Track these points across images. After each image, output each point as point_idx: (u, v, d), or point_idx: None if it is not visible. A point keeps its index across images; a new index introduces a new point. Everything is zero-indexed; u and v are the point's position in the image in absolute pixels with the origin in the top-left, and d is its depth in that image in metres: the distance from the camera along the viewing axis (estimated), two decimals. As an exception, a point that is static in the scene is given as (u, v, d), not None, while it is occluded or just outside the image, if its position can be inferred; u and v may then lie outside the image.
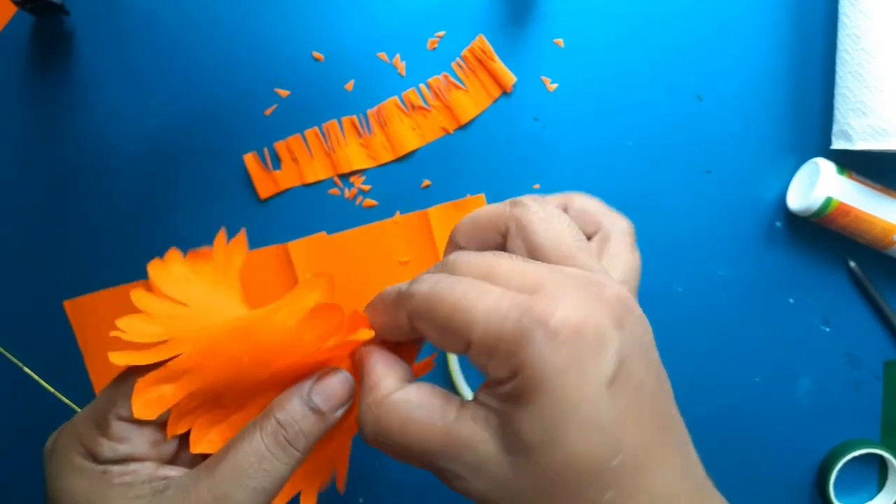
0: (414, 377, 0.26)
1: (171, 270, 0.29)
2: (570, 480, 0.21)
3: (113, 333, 0.26)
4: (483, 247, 0.27)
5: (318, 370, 0.27)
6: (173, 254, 0.29)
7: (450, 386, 0.49)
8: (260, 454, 0.25)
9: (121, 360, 0.26)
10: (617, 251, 0.30)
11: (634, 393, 0.22)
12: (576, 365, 0.21)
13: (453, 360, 0.49)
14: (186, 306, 0.28)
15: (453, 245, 0.29)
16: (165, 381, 0.26)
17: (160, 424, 0.26)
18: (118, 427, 0.26)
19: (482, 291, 0.22)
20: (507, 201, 0.27)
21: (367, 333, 0.26)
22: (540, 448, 0.21)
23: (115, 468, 0.25)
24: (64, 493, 0.25)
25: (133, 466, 0.26)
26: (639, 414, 0.22)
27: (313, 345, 0.26)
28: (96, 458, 0.26)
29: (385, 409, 0.24)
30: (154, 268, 0.29)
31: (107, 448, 0.25)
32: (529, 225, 0.26)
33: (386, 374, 0.25)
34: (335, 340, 0.26)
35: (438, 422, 0.23)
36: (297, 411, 0.26)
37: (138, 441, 0.26)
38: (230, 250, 0.30)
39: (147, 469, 0.26)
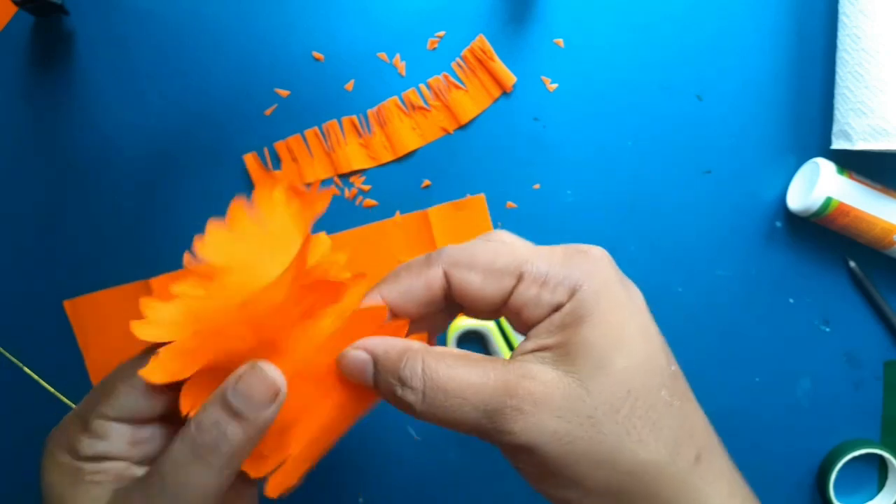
0: None
1: (273, 196, 0.30)
2: (639, 384, 0.24)
3: (197, 239, 0.27)
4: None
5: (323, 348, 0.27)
6: (279, 178, 0.30)
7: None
8: (177, 462, 0.24)
9: (140, 330, 0.26)
10: None
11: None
12: (621, 281, 0.25)
13: None
14: (263, 237, 0.29)
15: None
16: (181, 354, 0.26)
17: (139, 423, 0.27)
18: (98, 425, 0.26)
19: (513, 241, 0.26)
20: (424, 260, 0.28)
21: (381, 309, 0.27)
22: (612, 353, 0.23)
23: (89, 465, 0.26)
24: (45, 485, 0.26)
25: (106, 465, 0.26)
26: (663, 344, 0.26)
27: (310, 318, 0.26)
28: (76, 455, 0.26)
29: (433, 357, 0.24)
30: (260, 187, 0.30)
31: (85, 444, 0.26)
32: (477, 257, 0.26)
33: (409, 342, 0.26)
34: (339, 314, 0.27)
35: (489, 364, 0.24)
36: (213, 415, 0.24)
37: (116, 439, 0.26)
38: (317, 196, 0.30)
39: (118, 468, 0.26)
